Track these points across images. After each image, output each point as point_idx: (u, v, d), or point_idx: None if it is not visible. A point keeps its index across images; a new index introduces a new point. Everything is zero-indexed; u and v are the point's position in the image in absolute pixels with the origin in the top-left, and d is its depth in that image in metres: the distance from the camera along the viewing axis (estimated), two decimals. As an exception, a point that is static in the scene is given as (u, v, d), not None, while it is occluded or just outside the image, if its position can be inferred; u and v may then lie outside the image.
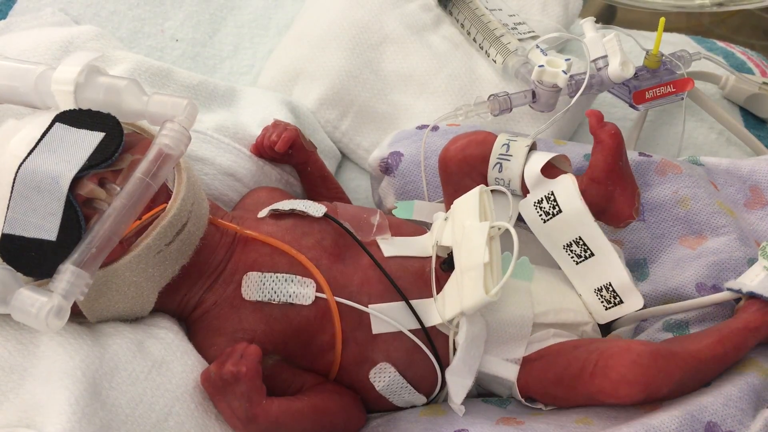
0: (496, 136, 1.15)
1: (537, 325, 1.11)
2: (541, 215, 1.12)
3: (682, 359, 1.01)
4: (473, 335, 1.05)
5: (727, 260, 1.18)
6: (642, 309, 1.12)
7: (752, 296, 1.08)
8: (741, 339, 1.04)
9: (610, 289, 1.11)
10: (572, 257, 1.13)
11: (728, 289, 1.11)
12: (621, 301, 1.11)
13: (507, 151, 1.12)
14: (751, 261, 1.17)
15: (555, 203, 1.10)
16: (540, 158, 1.11)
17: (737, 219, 1.24)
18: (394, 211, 1.25)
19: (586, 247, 1.11)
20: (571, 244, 1.12)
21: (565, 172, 1.11)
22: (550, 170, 1.11)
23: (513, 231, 1.00)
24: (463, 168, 1.16)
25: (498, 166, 1.13)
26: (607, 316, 1.14)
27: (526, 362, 1.09)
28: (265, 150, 1.27)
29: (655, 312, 1.16)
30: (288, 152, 1.27)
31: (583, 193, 1.09)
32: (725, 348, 1.03)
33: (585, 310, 1.15)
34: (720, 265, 1.18)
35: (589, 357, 1.03)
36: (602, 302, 1.13)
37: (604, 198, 1.10)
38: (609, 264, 1.10)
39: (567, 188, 1.09)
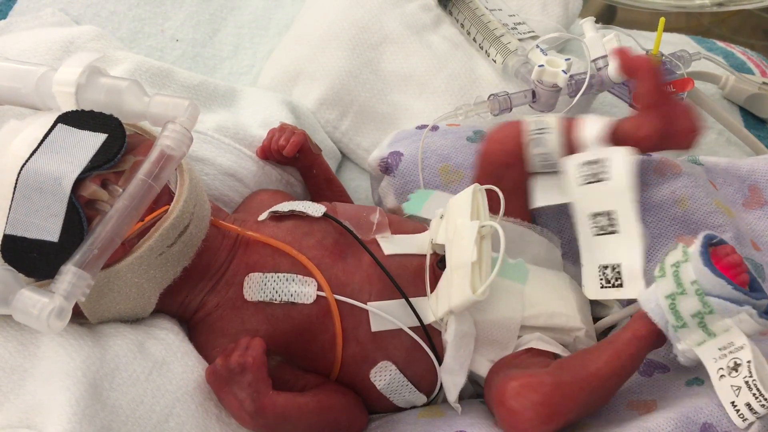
0: (515, 122, 1.17)
1: (527, 328, 1.11)
2: (582, 176, 1.13)
3: (583, 380, 0.97)
4: (462, 333, 1.05)
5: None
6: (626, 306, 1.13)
7: None
8: (633, 349, 0.99)
9: (617, 269, 1.11)
10: (594, 227, 1.13)
11: None
12: (621, 285, 1.10)
13: (537, 127, 1.14)
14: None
15: (605, 170, 1.11)
16: (599, 122, 1.13)
17: (735, 219, 1.24)
18: (404, 204, 1.25)
19: (613, 223, 1.11)
20: (599, 214, 1.12)
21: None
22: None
23: (501, 231, 1.00)
24: (504, 159, 1.17)
25: (533, 141, 1.14)
26: (597, 294, 1.13)
27: (494, 366, 1.08)
28: (272, 154, 1.27)
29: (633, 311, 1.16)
30: (295, 156, 1.27)
31: (641, 126, 1.11)
32: (621, 361, 0.99)
33: (578, 316, 1.14)
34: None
35: (502, 381, 1.00)
36: (601, 279, 1.13)
37: (665, 121, 1.11)
38: (629, 246, 1.10)
39: (625, 160, 1.10)
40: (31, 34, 1.30)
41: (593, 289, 1.14)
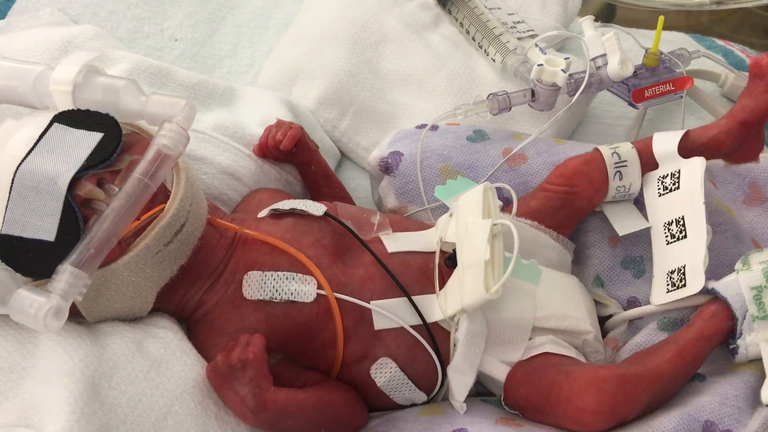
0: (599, 151, 1.20)
1: (537, 329, 1.12)
2: (659, 189, 1.18)
3: (647, 381, 1.00)
4: (473, 332, 1.05)
5: (722, 258, 1.18)
6: (633, 308, 1.15)
7: (713, 295, 1.09)
8: (698, 349, 1.03)
9: (682, 271, 1.12)
10: (667, 236, 1.16)
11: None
12: (684, 285, 1.11)
13: (620, 159, 1.18)
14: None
15: (677, 180, 1.15)
16: (672, 137, 1.19)
17: (735, 217, 1.24)
18: (437, 188, 1.24)
19: (683, 228, 1.14)
20: (672, 222, 1.15)
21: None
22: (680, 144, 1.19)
23: (514, 229, 1.00)
24: (592, 197, 1.20)
25: (618, 174, 1.18)
26: (663, 298, 1.14)
27: (515, 368, 1.09)
28: (269, 150, 1.27)
29: (645, 311, 1.16)
30: (292, 151, 1.27)
31: (721, 134, 1.20)
32: (685, 360, 1.03)
33: (588, 319, 1.15)
34: (715, 262, 1.18)
35: (557, 378, 1.03)
36: (667, 284, 1.14)
37: (741, 140, 1.19)
38: (695, 246, 1.12)
39: (695, 168, 1.15)
40: (29, 34, 1.31)
41: (659, 295, 1.15)
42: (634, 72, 1.37)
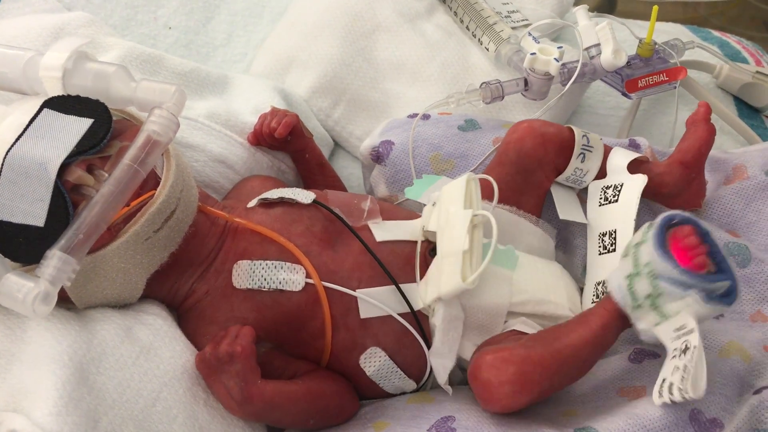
0: (562, 126, 1.21)
1: (513, 314, 1.11)
2: (601, 198, 1.19)
3: (555, 352, 0.97)
4: (450, 316, 1.06)
5: None
6: None
7: None
8: (604, 322, 0.98)
9: (605, 285, 1.13)
10: (600, 246, 1.17)
11: None
12: None
13: (588, 143, 1.19)
14: (726, 246, 1.19)
15: (618, 193, 1.17)
16: (626, 154, 1.21)
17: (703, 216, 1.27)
18: (406, 189, 1.24)
19: (613, 242, 1.15)
20: (606, 234, 1.16)
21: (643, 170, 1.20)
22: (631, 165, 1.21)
23: (493, 220, 1.00)
24: (539, 152, 1.18)
25: (582, 156, 1.19)
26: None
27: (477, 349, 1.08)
28: (264, 137, 1.27)
29: None
30: (287, 139, 1.27)
31: (664, 174, 1.21)
32: (593, 332, 0.98)
33: (566, 304, 1.14)
34: None
35: (475, 357, 1.01)
36: (593, 295, 1.15)
37: (684, 182, 1.22)
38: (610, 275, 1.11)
39: (635, 186, 1.16)
40: (22, 21, 1.31)
41: (587, 305, 1.15)
42: (628, 62, 1.37)
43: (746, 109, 1.60)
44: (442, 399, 1.07)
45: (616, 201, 1.17)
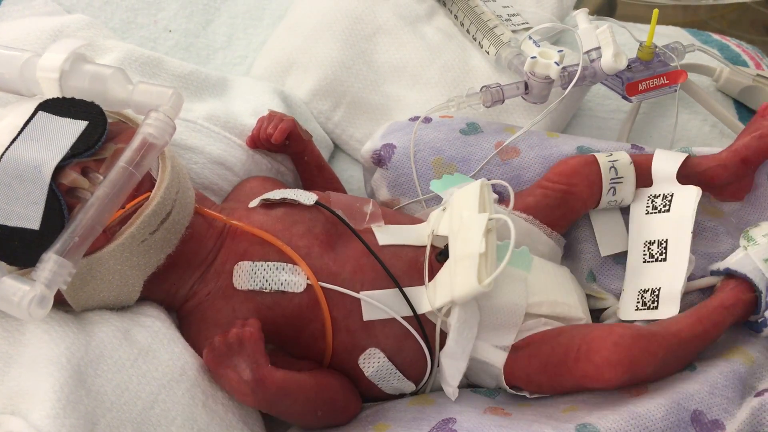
0: (596, 159, 1.21)
1: (530, 315, 1.12)
2: (648, 206, 1.20)
3: (663, 338, 1.02)
4: (465, 318, 1.06)
5: (716, 247, 1.21)
6: None
7: (729, 274, 1.12)
8: (718, 317, 1.06)
9: (656, 293, 1.14)
10: (645, 254, 1.18)
11: (711, 273, 1.15)
12: (656, 307, 1.13)
13: (616, 175, 1.20)
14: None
15: (669, 203, 1.17)
16: (672, 159, 1.21)
17: (724, 216, 1.26)
18: (432, 182, 1.24)
19: (664, 251, 1.15)
20: (653, 242, 1.16)
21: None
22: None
23: (510, 223, 1.00)
24: (585, 193, 1.21)
25: (612, 190, 1.20)
26: (630, 315, 1.16)
27: (513, 350, 1.10)
28: (262, 142, 1.27)
29: None
30: (285, 143, 1.27)
31: (719, 167, 1.21)
32: (704, 326, 1.05)
33: (580, 306, 1.15)
34: (707, 256, 1.20)
35: (572, 342, 1.04)
36: (638, 302, 1.16)
37: (737, 176, 1.21)
38: (673, 273, 1.13)
39: (689, 197, 1.17)
40: (21, 23, 1.31)
41: (628, 311, 1.17)
42: (628, 65, 1.37)
43: (746, 112, 1.59)
44: (443, 401, 1.08)
45: (668, 211, 1.17)
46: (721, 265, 1.13)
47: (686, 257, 1.13)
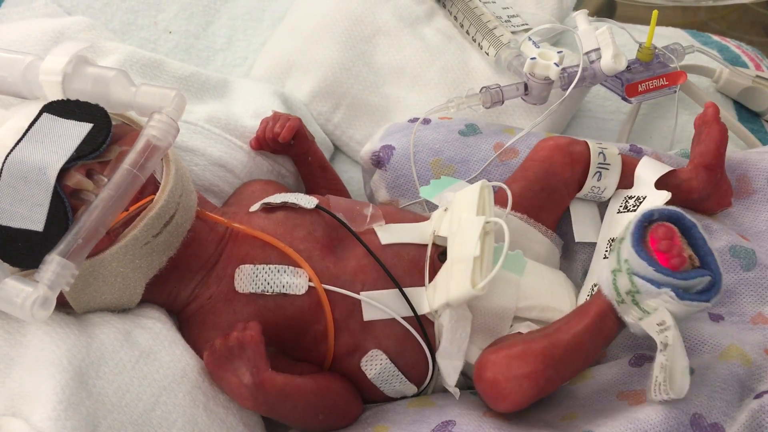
0: (586, 143, 1.21)
1: (519, 319, 1.12)
2: (621, 206, 1.20)
3: (556, 340, 0.97)
4: (457, 316, 1.06)
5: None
6: None
7: None
8: (601, 312, 0.97)
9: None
10: (606, 251, 1.18)
11: None
12: None
13: (604, 161, 1.20)
14: (732, 249, 1.18)
15: (638, 204, 1.17)
16: (657, 168, 1.21)
17: (717, 219, 1.27)
18: (421, 188, 1.24)
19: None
20: (615, 240, 1.14)
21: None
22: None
23: (506, 227, 1.00)
24: (566, 171, 1.20)
25: (597, 174, 1.20)
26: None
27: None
28: (267, 142, 1.27)
29: None
30: (290, 143, 1.27)
31: (691, 179, 1.22)
32: (588, 321, 0.98)
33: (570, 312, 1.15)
34: None
35: (479, 358, 1.02)
36: (588, 296, 1.15)
37: (710, 184, 1.22)
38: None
39: (657, 200, 1.16)
40: (22, 25, 1.30)
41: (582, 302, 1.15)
42: (628, 66, 1.37)
43: (746, 113, 1.60)
44: (443, 403, 1.08)
45: (635, 211, 1.17)
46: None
47: None
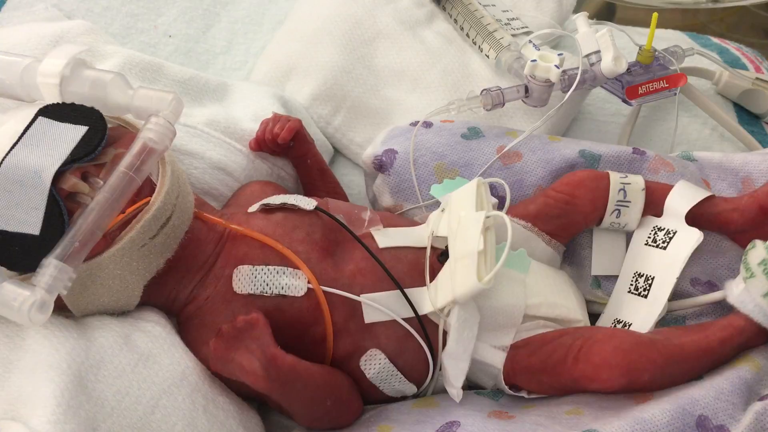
0: (608, 176, 1.20)
1: (528, 317, 1.12)
2: (649, 238, 1.18)
3: (664, 347, 1.02)
4: (465, 317, 1.06)
5: (719, 256, 1.20)
6: None
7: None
8: (726, 335, 1.03)
9: (628, 326, 1.14)
10: (631, 285, 1.17)
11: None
12: None
13: (624, 198, 1.18)
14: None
15: (669, 240, 1.15)
16: (690, 196, 1.18)
17: None
18: (432, 186, 1.24)
19: (648, 287, 1.15)
20: (641, 275, 1.16)
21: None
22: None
23: (508, 221, 1.00)
24: (587, 207, 1.19)
25: (616, 212, 1.19)
26: None
27: (512, 349, 1.10)
28: (267, 143, 1.27)
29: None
30: (290, 144, 1.27)
31: (735, 210, 1.17)
32: (709, 341, 1.03)
33: (579, 309, 1.16)
34: (713, 261, 1.20)
35: (574, 343, 1.05)
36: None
37: (752, 224, 1.17)
38: (646, 313, 1.13)
39: (689, 240, 1.14)
40: (21, 29, 1.30)
41: None
42: (628, 69, 1.37)
43: (746, 115, 1.60)
44: (447, 404, 1.08)
45: (665, 248, 1.15)
46: (728, 296, 1.08)
47: (663, 302, 1.13)
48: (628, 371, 1.00)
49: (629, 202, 1.18)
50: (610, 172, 1.20)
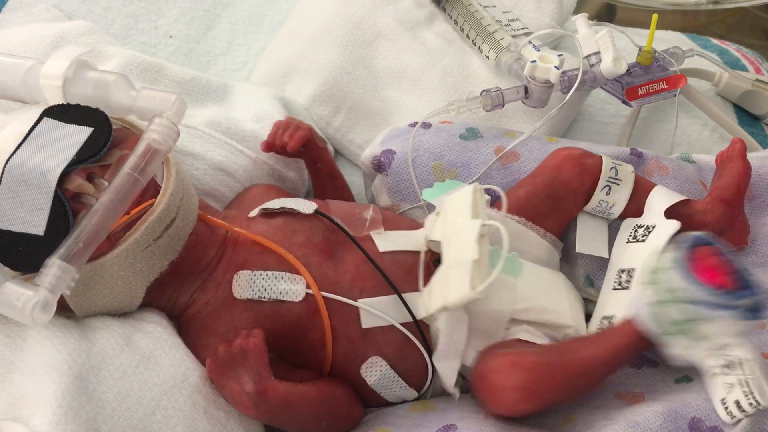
0: (600, 157, 1.20)
1: (516, 321, 1.12)
2: (630, 235, 1.19)
3: (568, 365, 0.99)
4: (454, 319, 1.05)
5: None
6: None
7: None
8: (624, 343, 1.00)
9: (611, 321, 1.13)
10: (616, 281, 1.17)
11: None
12: None
13: (616, 175, 1.19)
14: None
15: (648, 233, 1.16)
16: (669, 197, 1.19)
17: None
18: (424, 190, 1.24)
19: (629, 279, 1.14)
20: (623, 270, 1.15)
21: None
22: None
23: (503, 230, 1.00)
24: (574, 182, 1.20)
25: (607, 188, 1.19)
26: None
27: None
28: (276, 149, 1.27)
29: None
30: (300, 151, 1.27)
31: (706, 212, 1.20)
32: (609, 352, 1.00)
33: (569, 313, 1.15)
34: None
35: (486, 358, 1.03)
36: (599, 329, 1.15)
37: (725, 220, 1.20)
38: (629, 303, 1.11)
39: (666, 230, 1.13)
40: (22, 29, 1.30)
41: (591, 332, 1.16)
42: (628, 70, 1.38)
43: (746, 117, 1.60)
44: (444, 407, 1.08)
45: (644, 241, 1.16)
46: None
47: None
48: (532, 396, 0.97)
49: (620, 180, 1.20)
50: (603, 155, 1.21)
